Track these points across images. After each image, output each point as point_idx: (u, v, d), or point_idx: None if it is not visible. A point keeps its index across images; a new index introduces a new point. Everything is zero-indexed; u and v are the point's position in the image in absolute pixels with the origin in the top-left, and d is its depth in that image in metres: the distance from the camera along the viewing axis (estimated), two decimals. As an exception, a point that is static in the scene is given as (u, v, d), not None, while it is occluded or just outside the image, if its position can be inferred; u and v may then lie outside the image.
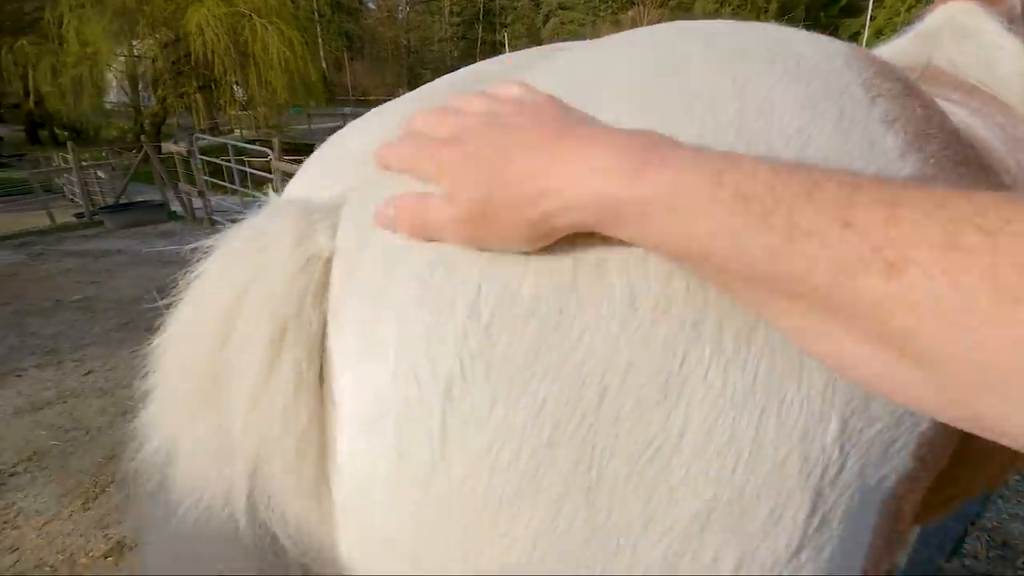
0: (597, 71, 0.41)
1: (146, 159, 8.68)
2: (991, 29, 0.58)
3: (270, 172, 6.39)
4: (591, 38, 0.58)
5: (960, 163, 0.40)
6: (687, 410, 0.31)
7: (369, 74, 35.06)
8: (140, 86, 17.05)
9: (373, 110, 0.54)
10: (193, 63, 14.18)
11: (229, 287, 0.39)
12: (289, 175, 6.17)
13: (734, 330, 0.31)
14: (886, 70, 0.42)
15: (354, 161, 0.45)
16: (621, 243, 0.32)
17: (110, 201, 9.19)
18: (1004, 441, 0.23)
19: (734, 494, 0.31)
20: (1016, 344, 0.20)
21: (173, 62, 14.68)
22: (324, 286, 0.38)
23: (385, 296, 0.35)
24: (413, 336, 0.34)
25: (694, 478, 0.31)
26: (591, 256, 0.32)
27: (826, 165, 0.34)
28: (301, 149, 11.87)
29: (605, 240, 0.32)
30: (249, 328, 0.38)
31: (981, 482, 0.60)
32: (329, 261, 0.38)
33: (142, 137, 11.58)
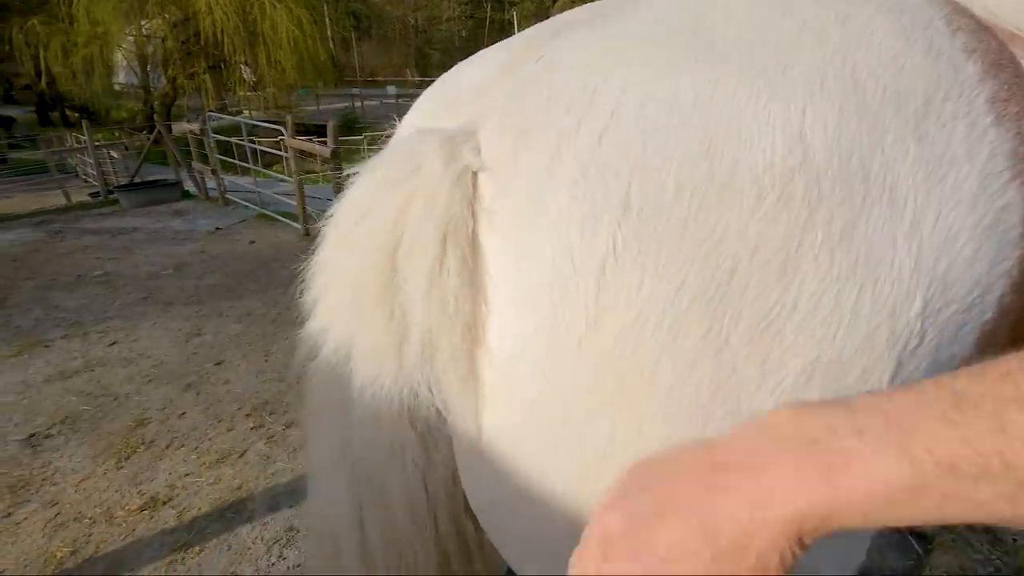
0: (708, 5, 0.46)
1: (159, 139, 8.75)
2: None
3: (281, 151, 6.44)
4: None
5: None
6: (800, 285, 0.36)
7: (376, 54, 34.71)
8: (149, 67, 17.05)
9: (486, 50, 0.59)
10: (202, 43, 14.14)
11: (392, 202, 0.45)
12: (302, 153, 6.15)
13: (841, 221, 0.36)
14: (960, 8, 0.46)
15: (472, 93, 0.51)
16: (751, 146, 0.37)
17: (124, 180, 9.27)
18: None
19: (833, 356, 0.37)
20: None
21: (183, 42, 14.64)
22: (474, 195, 0.44)
23: (542, 196, 0.41)
24: (570, 227, 0.40)
25: (803, 341, 0.37)
26: (727, 157, 0.38)
27: (917, 88, 0.38)
28: (311, 130, 11.89)
29: (737, 143, 0.37)
30: (418, 233, 0.44)
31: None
32: (476, 175, 0.44)
33: (154, 116, 11.64)
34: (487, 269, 0.44)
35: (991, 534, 1.96)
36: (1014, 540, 1.91)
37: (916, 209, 0.37)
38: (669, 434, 0.38)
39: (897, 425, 0.26)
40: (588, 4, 0.57)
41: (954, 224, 0.37)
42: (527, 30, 0.58)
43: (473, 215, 0.44)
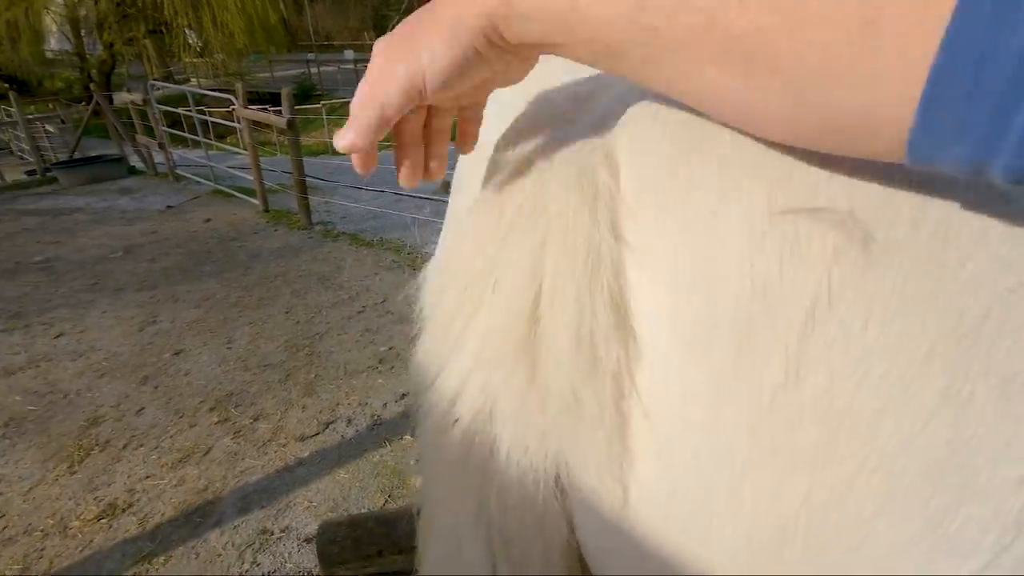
0: None
1: (98, 111, 8.14)
2: None
3: (234, 121, 6.06)
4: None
5: None
6: None
7: (332, 16, 33.08)
8: (83, 31, 15.82)
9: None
10: (140, 4, 13.18)
11: (524, 247, 0.39)
12: (256, 124, 5.84)
13: None
14: None
15: (579, 96, 0.44)
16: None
17: (62, 157, 8.67)
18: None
19: None
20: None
21: (117, 4, 13.60)
22: (618, 227, 0.37)
23: (716, 222, 0.32)
24: (762, 260, 0.31)
25: None
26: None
27: None
28: (264, 98, 11.27)
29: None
30: (559, 279, 0.37)
31: None
32: (615, 200, 0.37)
33: (91, 87, 10.83)
34: (637, 310, 0.36)
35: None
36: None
37: None
38: (884, 503, 0.31)
39: None
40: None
41: None
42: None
43: (619, 250, 0.37)
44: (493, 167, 0.46)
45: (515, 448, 0.41)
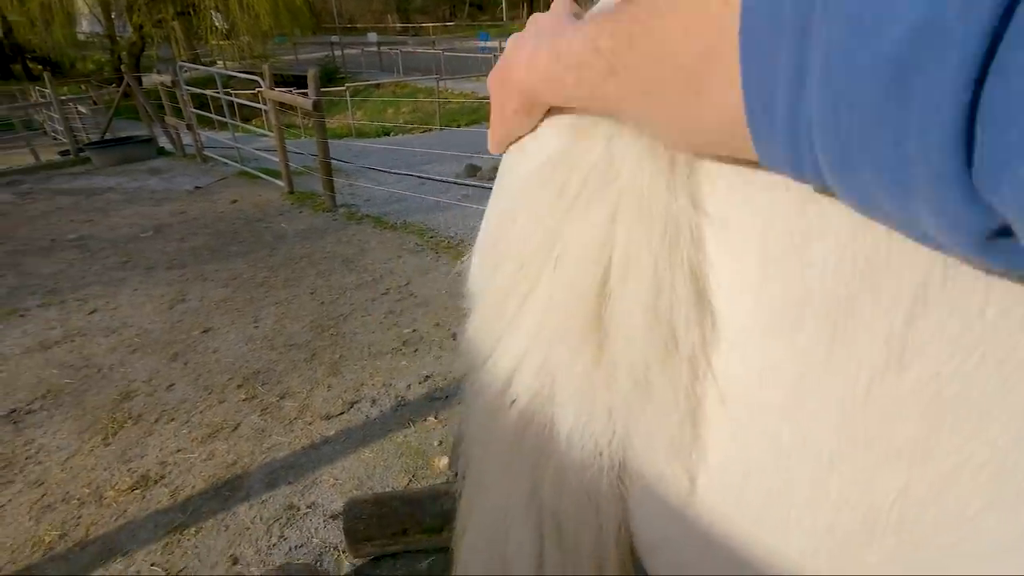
0: None
1: (128, 92, 8.27)
2: None
3: (260, 103, 6.09)
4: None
5: None
6: None
7: (356, 0, 33.02)
8: (113, 14, 16.04)
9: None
10: (168, -13, 13.30)
11: (593, 220, 0.37)
12: (282, 106, 5.85)
13: None
14: None
15: None
16: None
17: (94, 137, 8.84)
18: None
19: None
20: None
21: (147, -14, 13.74)
22: (696, 193, 0.35)
23: (810, 193, 0.30)
24: (862, 232, 0.28)
25: None
26: None
27: None
28: (289, 81, 11.31)
29: None
30: (632, 252, 0.35)
31: None
32: (692, 167, 0.34)
33: (122, 68, 10.99)
34: (716, 284, 0.34)
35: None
36: None
37: None
38: (992, 499, 0.28)
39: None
40: None
41: None
42: None
43: (698, 221, 0.34)
44: (550, 140, 0.44)
45: (577, 428, 0.39)
